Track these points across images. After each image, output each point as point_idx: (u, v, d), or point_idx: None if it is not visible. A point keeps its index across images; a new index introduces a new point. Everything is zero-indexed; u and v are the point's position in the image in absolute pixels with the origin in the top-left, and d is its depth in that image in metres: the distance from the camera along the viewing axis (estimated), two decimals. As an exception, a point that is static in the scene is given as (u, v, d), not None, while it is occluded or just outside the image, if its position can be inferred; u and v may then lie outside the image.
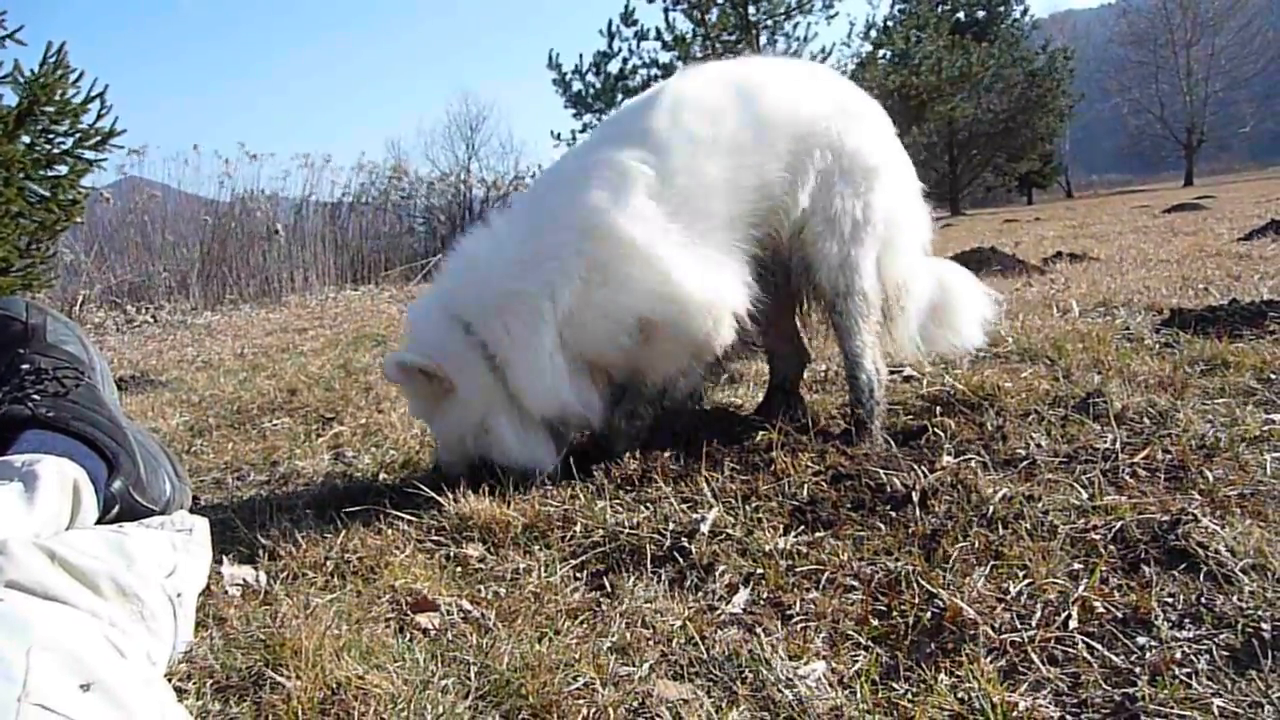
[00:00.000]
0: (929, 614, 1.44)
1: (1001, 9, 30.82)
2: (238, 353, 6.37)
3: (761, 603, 1.56)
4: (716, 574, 1.66)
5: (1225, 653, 1.26)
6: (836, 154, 2.42)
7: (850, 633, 1.43)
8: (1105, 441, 2.16)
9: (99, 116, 4.78)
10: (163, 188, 13.16)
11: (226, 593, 1.74)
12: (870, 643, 1.40)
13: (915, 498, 1.89)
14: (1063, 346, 3.32)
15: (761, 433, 2.45)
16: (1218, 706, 1.13)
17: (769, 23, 20.06)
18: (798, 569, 1.65)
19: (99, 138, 4.78)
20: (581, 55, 21.57)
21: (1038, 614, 1.41)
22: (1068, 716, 1.17)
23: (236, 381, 4.74)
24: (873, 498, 1.95)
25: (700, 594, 1.62)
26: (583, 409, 2.33)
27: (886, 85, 19.23)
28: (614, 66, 21.42)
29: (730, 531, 1.82)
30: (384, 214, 15.91)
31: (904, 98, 20.22)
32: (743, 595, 1.59)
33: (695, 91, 2.45)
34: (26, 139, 4.65)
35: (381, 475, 2.63)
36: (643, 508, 2.01)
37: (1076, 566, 1.55)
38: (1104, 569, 1.52)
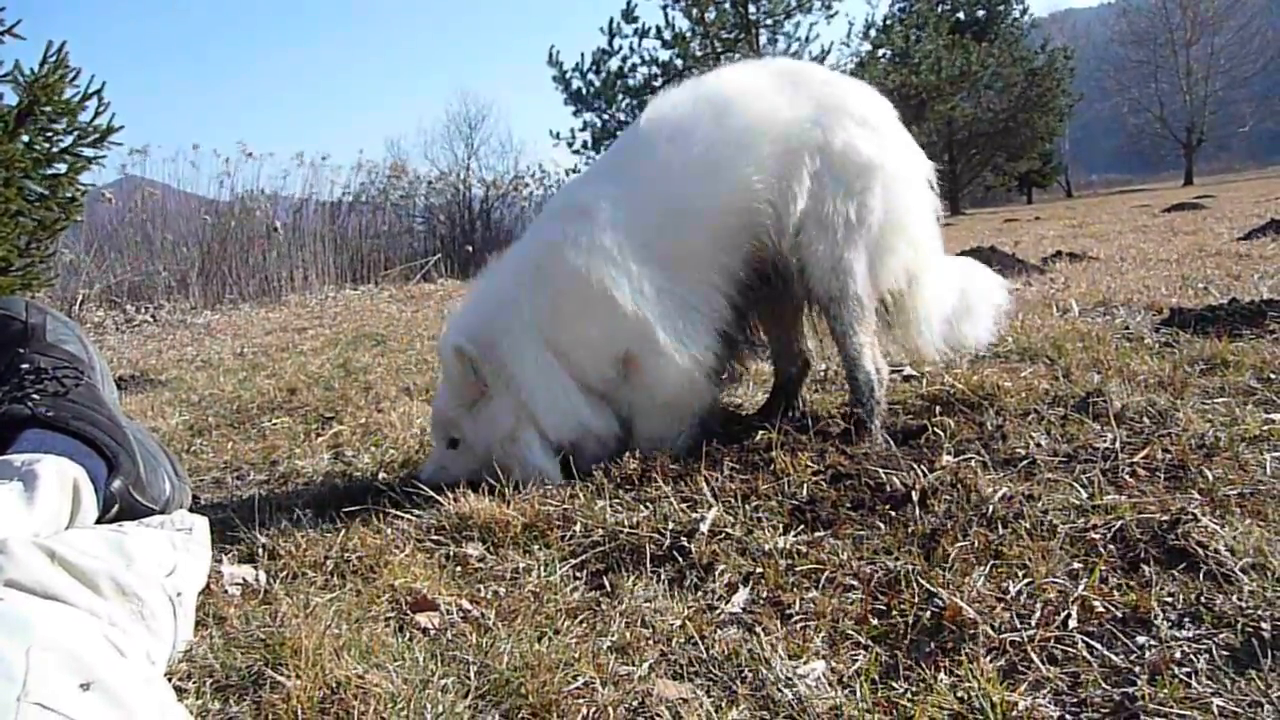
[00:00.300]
0: (929, 613, 1.44)
1: (1001, 8, 30.79)
2: (237, 352, 6.37)
3: (761, 602, 1.56)
4: (716, 573, 1.66)
5: (1225, 652, 1.26)
6: (825, 155, 2.39)
7: (850, 632, 1.43)
8: (1105, 441, 2.16)
9: (97, 113, 4.77)
10: (163, 187, 13.15)
11: (226, 592, 1.74)
12: (870, 642, 1.40)
13: (915, 497, 1.89)
14: (1062, 346, 3.32)
15: (761, 432, 2.45)
16: (1217, 706, 1.13)
17: (769, 22, 20.06)
18: (797, 568, 1.65)
19: (97, 135, 4.77)
20: (582, 54, 21.57)
21: (1037, 613, 1.41)
22: (1067, 716, 1.17)
23: (236, 381, 4.74)
24: (872, 497, 1.95)
25: (700, 593, 1.62)
26: (603, 424, 2.40)
27: (886, 85, 19.19)
28: (614, 64, 21.42)
29: (730, 531, 1.82)
30: (383, 213, 15.89)
31: (903, 97, 20.20)
32: (742, 594, 1.59)
33: (667, 116, 2.47)
34: (26, 138, 4.65)
35: (381, 474, 2.63)
36: (642, 507, 2.01)
37: (1076, 566, 1.55)
38: (1104, 568, 1.52)
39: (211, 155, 18.64)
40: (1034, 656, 1.29)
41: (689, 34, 20.09)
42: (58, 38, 4.59)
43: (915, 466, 2.07)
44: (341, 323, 8.09)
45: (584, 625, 1.51)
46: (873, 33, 21.68)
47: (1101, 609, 1.40)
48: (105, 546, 1.33)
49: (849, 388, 2.53)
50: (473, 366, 2.32)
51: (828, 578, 1.61)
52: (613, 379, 2.39)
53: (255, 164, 14.37)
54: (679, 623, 1.49)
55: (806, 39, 20.42)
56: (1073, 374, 2.93)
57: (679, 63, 20.35)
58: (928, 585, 1.52)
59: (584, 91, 21.73)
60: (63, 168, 4.80)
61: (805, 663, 1.34)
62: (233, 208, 13.13)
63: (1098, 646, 1.31)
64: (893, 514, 1.86)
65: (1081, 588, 1.45)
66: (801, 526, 1.85)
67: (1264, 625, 1.29)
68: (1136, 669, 1.24)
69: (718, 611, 1.54)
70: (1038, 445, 2.21)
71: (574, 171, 18.25)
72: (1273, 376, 2.63)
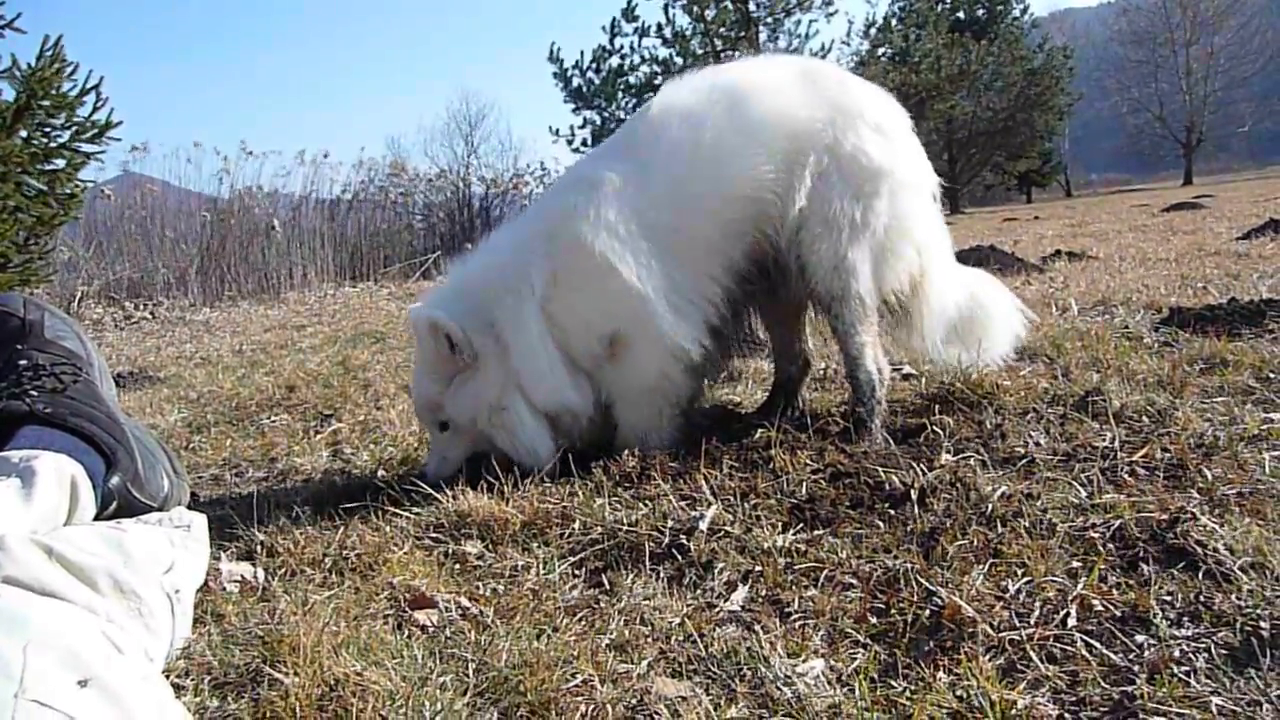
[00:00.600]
0: (928, 612, 1.44)
1: (1001, 7, 30.79)
2: (236, 349, 6.36)
3: (760, 600, 1.56)
4: (715, 571, 1.66)
5: (1224, 651, 1.26)
6: (834, 156, 2.38)
7: (849, 630, 1.43)
8: (1104, 440, 2.16)
9: (95, 109, 4.77)
10: (162, 184, 13.14)
11: (225, 589, 1.74)
12: (869, 640, 1.40)
13: (914, 496, 1.89)
14: (1061, 345, 3.32)
15: (760, 431, 2.44)
16: (1216, 705, 1.13)
17: (769, 19, 20.06)
18: (796, 567, 1.65)
19: (95, 130, 4.77)
20: (583, 52, 21.58)
21: (1036, 612, 1.41)
22: (1066, 714, 1.17)
23: (235, 378, 4.74)
24: (871, 496, 1.95)
25: (699, 591, 1.61)
26: (581, 402, 2.39)
27: (886, 83, 19.14)
28: (614, 62, 21.42)
29: (729, 529, 1.82)
30: (383, 211, 15.87)
31: (903, 96, 20.08)
32: (741, 593, 1.59)
33: (682, 100, 2.46)
34: (23, 133, 4.64)
35: (380, 472, 2.63)
36: (641, 505, 2.01)
37: (1075, 564, 1.55)
38: (1103, 567, 1.52)
39: (212, 153, 18.58)
40: (1033, 655, 1.29)
41: (689, 32, 20.08)
42: (55, 32, 4.59)
43: (914, 465, 2.07)
44: (340, 320, 8.08)
45: (583, 623, 1.51)
46: (873, 31, 21.68)
47: (1100, 608, 1.40)
48: (103, 543, 1.33)
49: (850, 387, 2.53)
50: (448, 339, 2.31)
51: (827, 576, 1.60)
52: (599, 356, 2.39)
53: (256, 162, 14.37)
54: (678, 620, 1.49)
55: (806, 36, 20.43)
56: (1072, 373, 2.93)
57: (679, 60, 20.34)
58: (927, 584, 1.52)
59: (584, 89, 21.75)
60: (61, 163, 4.80)
61: (804, 661, 1.34)
62: (232, 205, 13.12)
63: (1097, 645, 1.30)
64: (892, 512, 1.86)
65: (1080, 586, 1.45)
66: (800, 525, 1.85)
67: (1263, 624, 1.29)
68: (1135, 668, 1.24)
69: (717, 609, 1.53)
70: (1037, 444, 2.21)
71: (573, 169, 18.16)
72: (1272, 376, 2.63)
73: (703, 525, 1.82)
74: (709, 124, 2.39)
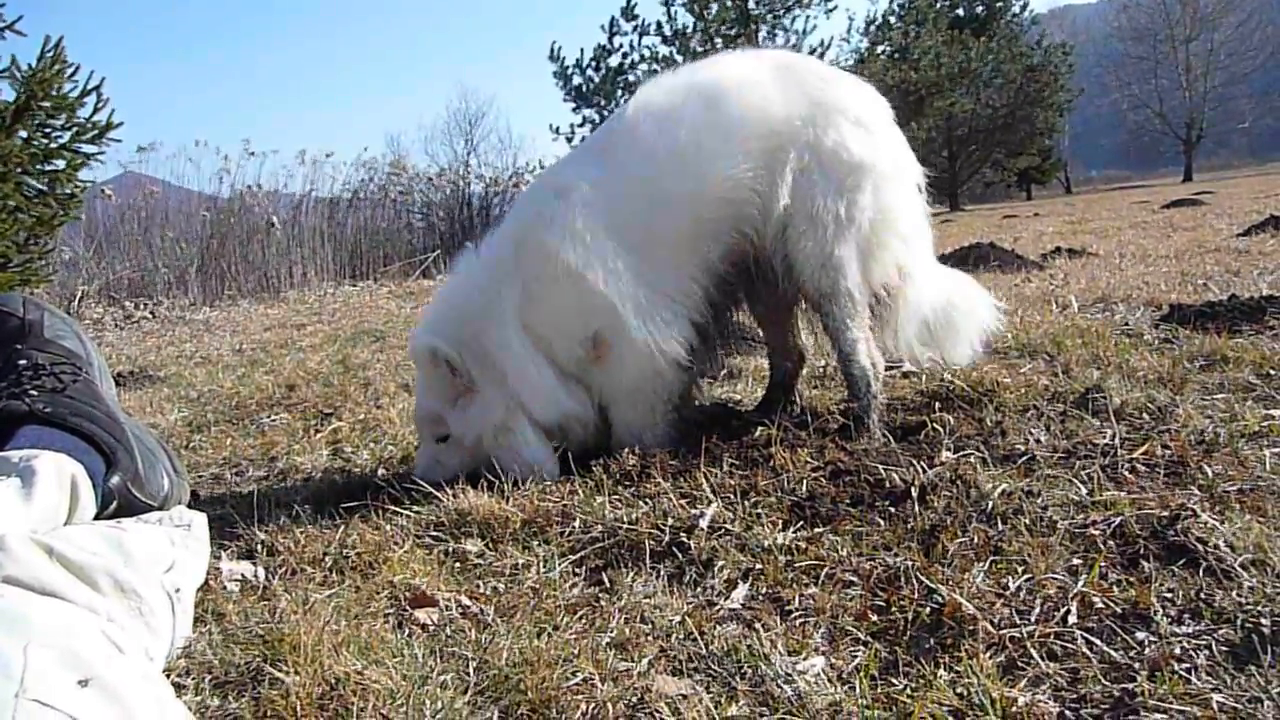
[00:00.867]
0: (928, 609, 1.44)
1: (1000, 4, 30.75)
2: (236, 348, 6.36)
3: (760, 598, 1.56)
4: (715, 569, 1.66)
5: (1225, 648, 1.26)
6: (815, 152, 2.36)
7: (849, 628, 1.43)
8: (1104, 437, 2.16)
9: (96, 110, 4.76)
10: (162, 183, 13.14)
11: (225, 588, 1.74)
12: (869, 638, 1.40)
13: (914, 493, 1.88)
14: (1062, 342, 3.32)
15: (760, 428, 2.44)
16: (1217, 702, 1.13)
17: (769, 17, 20.04)
18: (797, 564, 1.65)
19: (96, 131, 4.76)
20: (583, 50, 21.56)
21: (1037, 609, 1.41)
22: (1067, 712, 1.17)
23: (235, 377, 4.74)
24: (871, 493, 1.95)
25: (699, 589, 1.61)
26: (580, 408, 2.40)
27: (885, 81, 19.21)
28: (614, 61, 21.41)
29: (729, 527, 1.82)
30: (383, 210, 15.86)
31: (903, 93, 20.20)
32: (742, 591, 1.59)
33: (656, 101, 2.45)
34: (24, 134, 4.64)
35: (380, 471, 2.63)
36: (641, 503, 2.01)
37: (1076, 562, 1.55)
38: (1103, 564, 1.52)
39: (212, 152, 18.56)
40: (1033, 652, 1.29)
41: (689, 30, 20.07)
42: (57, 33, 4.59)
43: (914, 463, 2.07)
44: (340, 319, 8.08)
45: (583, 621, 1.51)
46: (872, 28, 21.66)
47: (1101, 605, 1.40)
48: (103, 543, 1.33)
49: (845, 383, 2.53)
50: (449, 365, 2.32)
51: (827, 574, 1.60)
52: (583, 359, 2.39)
53: (257, 161, 14.37)
54: (678, 619, 1.49)
55: (804, 32, 20.40)
56: (1072, 370, 2.93)
57: (679, 59, 20.33)
58: (927, 581, 1.52)
59: (584, 88, 21.74)
60: (61, 164, 4.79)
61: (805, 659, 1.34)
62: (232, 204, 13.12)
63: (1097, 642, 1.30)
64: (892, 510, 1.86)
65: (1081, 584, 1.45)
66: (801, 523, 1.85)
67: (1264, 621, 1.29)
68: (1136, 665, 1.24)
69: (717, 608, 1.53)
70: (1037, 441, 2.21)
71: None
72: (1272, 372, 2.63)
73: (703, 523, 1.82)
74: (685, 124, 2.37)
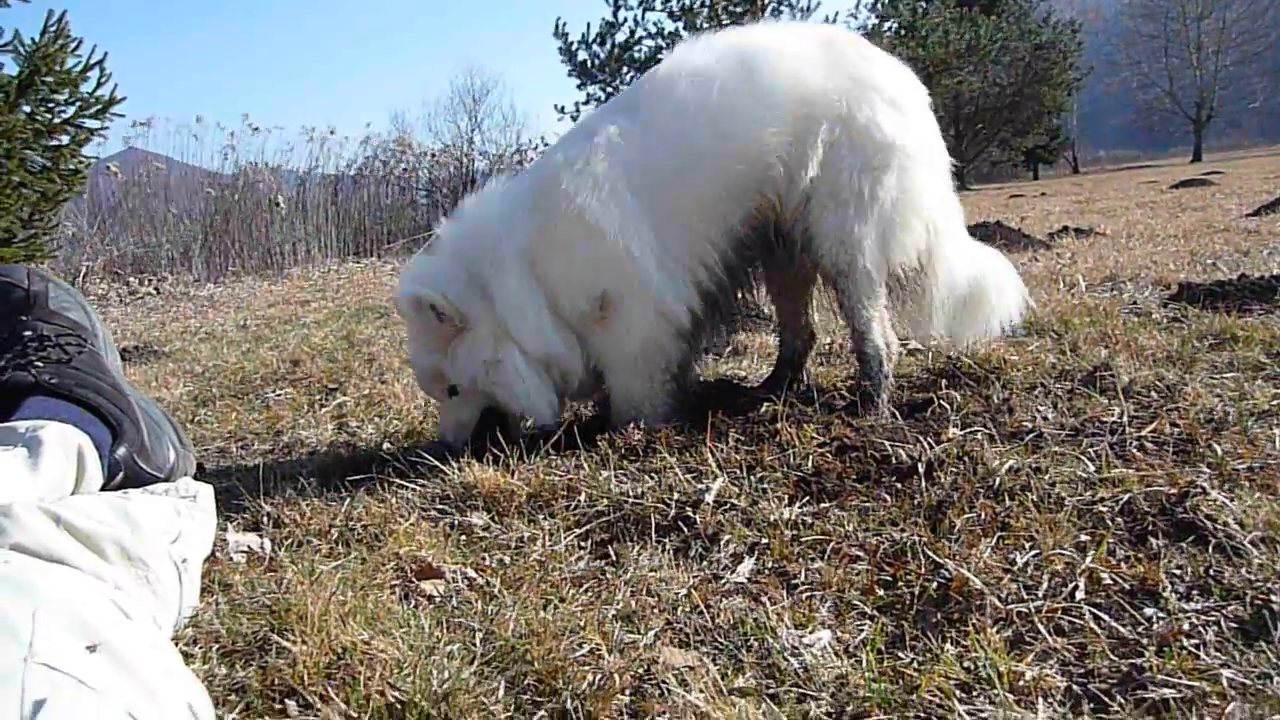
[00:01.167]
0: (935, 584, 1.44)
1: (1010, -20, 30.40)
2: (241, 324, 6.36)
3: (766, 572, 1.56)
4: (721, 543, 1.66)
5: (1233, 624, 1.25)
6: (846, 127, 2.35)
7: (856, 602, 1.43)
8: (1112, 415, 2.15)
9: (99, 84, 4.74)
10: (166, 160, 13.10)
11: (232, 559, 1.74)
12: (876, 612, 1.40)
13: (921, 469, 1.88)
14: (1069, 321, 3.31)
15: (766, 404, 2.44)
16: (1226, 678, 1.13)
17: (775, -7, 19.84)
18: (803, 539, 1.65)
19: (99, 106, 4.74)
20: (589, 24, 21.39)
21: (1044, 585, 1.40)
22: (1074, 686, 1.17)
23: (239, 353, 4.74)
24: (878, 469, 1.94)
25: (705, 563, 1.61)
26: (568, 354, 2.40)
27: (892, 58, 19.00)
28: (620, 36, 21.23)
29: (735, 501, 1.81)
30: (387, 186, 15.83)
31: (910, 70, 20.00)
32: (748, 564, 1.58)
33: (693, 60, 2.42)
34: (27, 108, 4.62)
35: (385, 445, 2.63)
36: (647, 478, 2.00)
37: (1084, 538, 1.54)
38: (1111, 540, 1.52)
39: (215, 128, 18.48)
40: (1041, 627, 1.29)
41: (695, 5, 19.88)
42: (59, 7, 4.55)
43: (921, 439, 2.06)
44: (344, 295, 8.08)
45: (589, 594, 1.51)
46: (879, 5, 21.43)
47: (1109, 581, 1.39)
48: (110, 512, 1.33)
49: (858, 361, 2.52)
50: (435, 310, 2.31)
51: (833, 548, 1.60)
52: (587, 316, 2.39)
53: (260, 137, 14.33)
54: (684, 592, 1.49)
55: (809, 9, 20.16)
56: (1080, 348, 2.91)
57: (685, 34, 20.15)
58: (934, 556, 1.51)
59: (589, 64, 21.57)
60: (65, 139, 4.77)
61: (811, 632, 1.34)
62: (236, 181, 13.09)
63: (1105, 618, 1.30)
64: (899, 486, 1.85)
65: (1089, 560, 1.44)
66: (807, 498, 1.84)
67: (1273, 598, 1.29)
68: (1144, 640, 1.24)
69: (723, 581, 1.53)
70: (1045, 419, 2.20)
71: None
72: (1282, 351, 2.61)
73: (709, 498, 1.82)
74: (718, 83, 2.35)
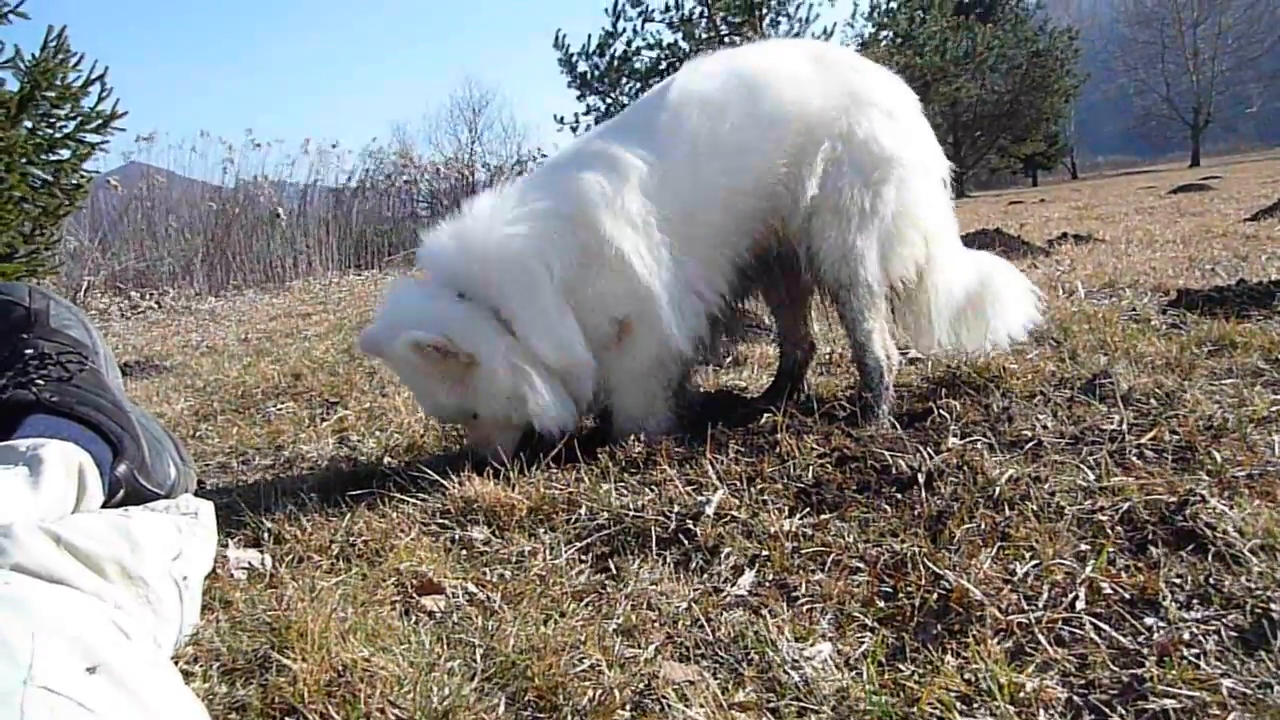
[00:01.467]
0: (935, 595, 1.44)
1: (1006, -11, 30.51)
2: (242, 338, 6.37)
3: (767, 584, 1.56)
4: (722, 556, 1.66)
5: (1234, 633, 1.25)
6: (846, 143, 2.37)
7: (856, 614, 1.43)
8: (1112, 423, 2.15)
9: (100, 99, 4.77)
10: (167, 174, 13.15)
11: (232, 576, 1.74)
12: (876, 624, 1.40)
13: (921, 479, 1.88)
14: (1069, 328, 3.31)
15: (766, 415, 2.44)
16: (1226, 687, 1.13)
17: (773, 3, 19.91)
18: (803, 551, 1.65)
19: (100, 120, 4.77)
20: (589, 35, 21.46)
21: (1045, 595, 1.40)
22: (1075, 697, 1.17)
23: (241, 366, 4.74)
24: (878, 480, 1.94)
25: (706, 576, 1.61)
26: (588, 363, 2.35)
27: (890, 67, 19.03)
28: (619, 48, 21.31)
29: (735, 514, 1.81)
30: (388, 199, 15.87)
31: (908, 79, 19.94)
32: (748, 577, 1.58)
33: (699, 87, 2.43)
34: (28, 124, 4.64)
35: (386, 459, 2.63)
36: (647, 490, 2.00)
37: (1084, 547, 1.54)
38: (1111, 550, 1.52)
39: (217, 142, 18.56)
40: (1041, 638, 1.29)
41: (695, 16, 19.96)
42: (59, 23, 4.58)
43: (921, 449, 2.06)
44: (345, 308, 8.09)
45: (590, 608, 1.51)
46: (877, 13, 21.51)
47: (1109, 590, 1.39)
48: (111, 531, 1.33)
49: (858, 373, 2.52)
50: (434, 349, 2.20)
51: (834, 560, 1.60)
52: (606, 335, 2.38)
53: (261, 151, 14.40)
54: (685, 605, 1.49)
55: (807, 19, 20.24)
56: (1079, 356, 2.92)
57: (685, 45, 20.22)
58: (934, 567, 1.51)
59: (589, 75, 21.64)
60: (66, 154, 4.80)
61: (811, 645, 1.34)
62: (237, 194, 13.13)
63: (1105, 628, 1.30)
64: (899, 496, 1.85)
65: (1089, 569, 1.44)
66: (807, 509, 1.84)
67: (1273, 606, 1.29)
68: (1145, 650, 1.24)
69: (724, 594, 1.53)
70: (1044, 427, 2.20)
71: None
72: (1281, 357, 2.62)
73: (709, 510, 1.82)
74: (729, 116, 2.36)
